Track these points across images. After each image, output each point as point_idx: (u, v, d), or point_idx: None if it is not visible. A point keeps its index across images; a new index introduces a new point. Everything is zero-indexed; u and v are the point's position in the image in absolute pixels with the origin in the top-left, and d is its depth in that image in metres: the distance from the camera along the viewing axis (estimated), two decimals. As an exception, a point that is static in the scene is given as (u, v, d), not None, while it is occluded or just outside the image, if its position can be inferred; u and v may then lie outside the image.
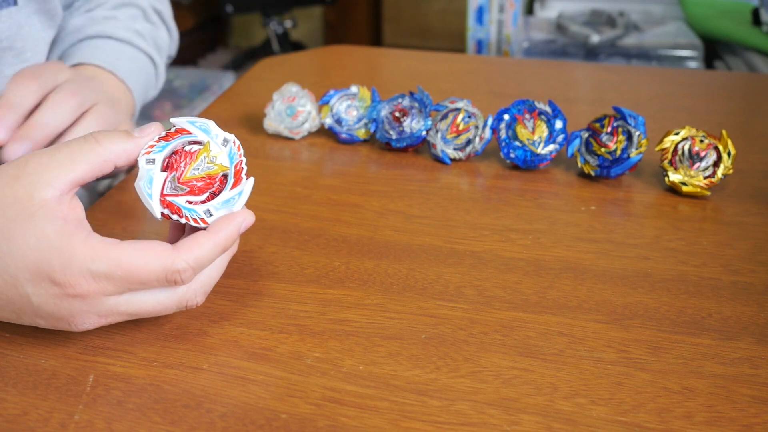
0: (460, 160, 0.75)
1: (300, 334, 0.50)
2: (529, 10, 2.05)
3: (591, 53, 1.65)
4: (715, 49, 1.65)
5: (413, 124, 0.76)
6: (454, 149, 0.75)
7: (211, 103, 0.92)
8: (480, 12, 1.97)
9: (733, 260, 0.59)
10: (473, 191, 0.71)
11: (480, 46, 1.99)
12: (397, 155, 0.77)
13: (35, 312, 0.45)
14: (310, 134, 0.82)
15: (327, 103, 0.80)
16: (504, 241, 0.61)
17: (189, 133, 0.49)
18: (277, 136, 0.81)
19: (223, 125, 0.84)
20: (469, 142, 0.75)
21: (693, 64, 1.59)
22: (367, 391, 0.46)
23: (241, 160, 0.50)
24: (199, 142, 0.49)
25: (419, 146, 0.77)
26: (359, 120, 0.80)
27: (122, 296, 0.45)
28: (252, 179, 0.50)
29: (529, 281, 0.56)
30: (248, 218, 0.49)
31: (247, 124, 0.84)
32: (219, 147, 0.50)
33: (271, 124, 0.80)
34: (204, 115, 0.88)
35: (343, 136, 0.79)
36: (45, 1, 0.74)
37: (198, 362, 0.48)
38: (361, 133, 0.79)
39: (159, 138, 0.48)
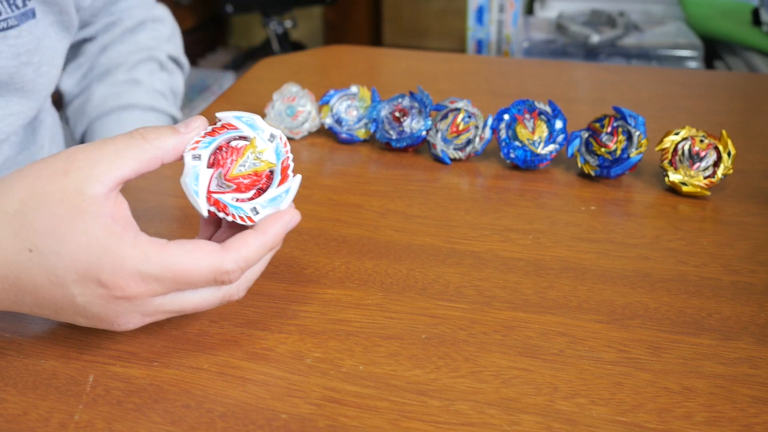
0: (460, 160, 0.75)
1: (300, 334, 0.50)
2: (529, 10, 2.05)
3: (591, 53, 1.65)
4: (715, 49, 1.65)
5: (413, 124, 0.76)
6: (454, 149, 0.75)
7: (211, 103, 0.92)
8: (480, 12, 1.97)
9: (733, 260, 0.59)
10: (473, 191, 0.71)
11: (480, 46, 1.99)
12: (397, 155, 0.77)
13: (77, 311, 0.45)
14: (310, 134, 0.82)
15: (327, 103, 0.80)
16: (504, 241, 0.61)
17: (235, 128, 0.49)
18: (277, 136, 0.81)
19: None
20: (469, 142, 0.75)
21: (693, 64, 1.59)
22: (367, 391, 0.46)
23: (288, 157, 0.49)
24: (245, 138, 0.49)
25: (419, 146, 0.77)
26: (359, 120, 0.80)
27: (168, 296, 0.45)
28: (299, 176, 0.49)
29: (529, 281, 0.56)
30: (295, 217, 0.49)
31: (247, 124, 0.84)
32: (265, 143, 0.49)
33: (271, 124, 0.80)
34: (205, 115, 0.88)
35: (343, 136, 0.79)
36: (61, 13, 0.74)
37: (198, 362, 0.48)
38: (361, 133, 0.79)
39: (205, 133, 0.48)
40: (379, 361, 0.48)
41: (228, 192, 0.48)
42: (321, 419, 0.44)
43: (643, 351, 0.49)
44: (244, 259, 0.45)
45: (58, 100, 0.93)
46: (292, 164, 0.49)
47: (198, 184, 0.47)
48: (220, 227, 0.51)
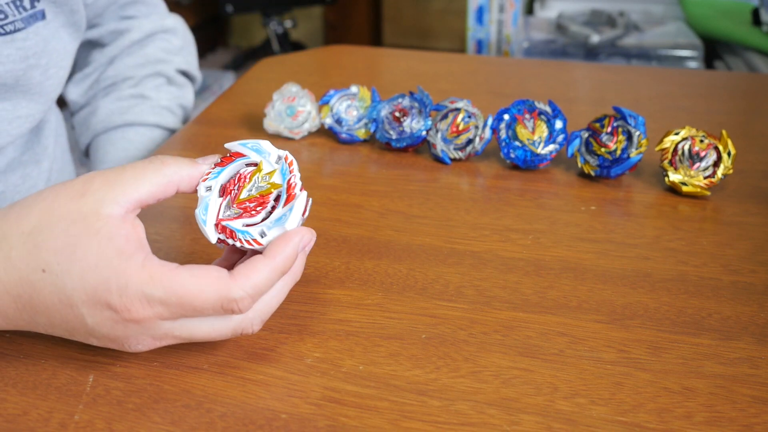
0: (460, 159, 0.75)
1: (300, 334, 0.50)
2: (529, 10, 2.05)
3: (591, 53, 1.65)
4: (715, 49, 1.65)
5: (413, 124, 0.76)
6: (454, 149, 0.75)
7: (211, 103, 0.92)
8: (480, 12, 1.97)
9: (733, 260, 0.59)
10: (473, 191, 0.71)
11: (480, 46, 1.99)
12: (397, 155, 0.77)
13: (89, 332, 0.44)
14: (310, 134, 0.82)
15: (327, 103, 0.80)
16: (504, 241, 0.61)
17: (242, 155, 0.49)
18: (277, 136, 0.81)
19: (223, 125, 0.84)
20: (469, 141, 0.75)
21: (693, 64, 1.59)
22: (367, 391, 0.46)
23: (294, 176, 0.49)
24: (255, 164, 0.49)
25: (419, 146, 0.77)
26: (359, 120, 0.80)
27: (177, 321, 0.44)
28: (305, 193, 0.48)
29: (529, 281, 0.56)
30: (306, 236, 0.46)
31: (247, 124, 0.84)
32: (272, 165, 0.49)
33: (271, 124, 0.80)
34: (205, 114, 0.88)
35: (343, 136, 0.79)
36: (72, 12, 0.73)
37: (198, 362, 0.48)
38: (361, 133, 0.79)
39: (215, 164, 0.48)
40: (379, 360, 0.48)
41: (237, 218, 0.48)
42: (321, 419, 0.44)
43: (643, 351, 0.49)
44: (252, 286, 0.44)
45: (62, 99, 0.93)
46: (299, 183, 0.48)
47: (207, 214, 0.47)
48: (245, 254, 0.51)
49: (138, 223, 0.45)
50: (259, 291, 0.45)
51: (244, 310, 0.44)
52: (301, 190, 0.48)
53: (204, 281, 0.43)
